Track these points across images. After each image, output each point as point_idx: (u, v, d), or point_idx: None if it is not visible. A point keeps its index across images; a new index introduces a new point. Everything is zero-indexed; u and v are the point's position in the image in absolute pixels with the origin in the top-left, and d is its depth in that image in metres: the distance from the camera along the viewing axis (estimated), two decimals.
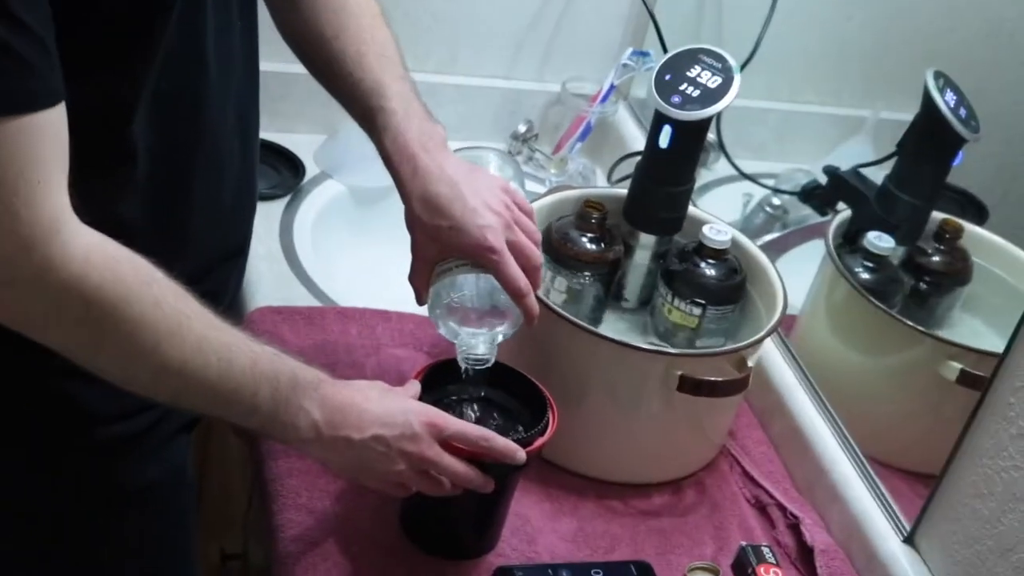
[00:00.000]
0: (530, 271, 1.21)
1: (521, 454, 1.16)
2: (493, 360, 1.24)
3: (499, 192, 1.23)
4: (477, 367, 1.23)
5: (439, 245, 1.23)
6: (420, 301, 1.27)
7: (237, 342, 1.06)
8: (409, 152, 1.25)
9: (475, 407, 1.26)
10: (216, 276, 1.27)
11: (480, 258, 1.20)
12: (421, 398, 1.20)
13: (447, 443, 1.15)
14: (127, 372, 1.03)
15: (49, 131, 0.92)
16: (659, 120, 1.38)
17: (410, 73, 1.32)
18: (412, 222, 1.25)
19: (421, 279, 1.26)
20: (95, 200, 0.97)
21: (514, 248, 1.20)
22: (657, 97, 1.36)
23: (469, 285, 1.25)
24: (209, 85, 1.11)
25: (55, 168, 0.93)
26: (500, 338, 1.24)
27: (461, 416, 1.23)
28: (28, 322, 0.98)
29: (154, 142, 1.08)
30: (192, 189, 1.16)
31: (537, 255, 1.23)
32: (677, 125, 1.37)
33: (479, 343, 1.23)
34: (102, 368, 1.02)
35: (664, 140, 1.38)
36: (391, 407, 1.14)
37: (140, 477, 1.26)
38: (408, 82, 1.30)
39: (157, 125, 1.07)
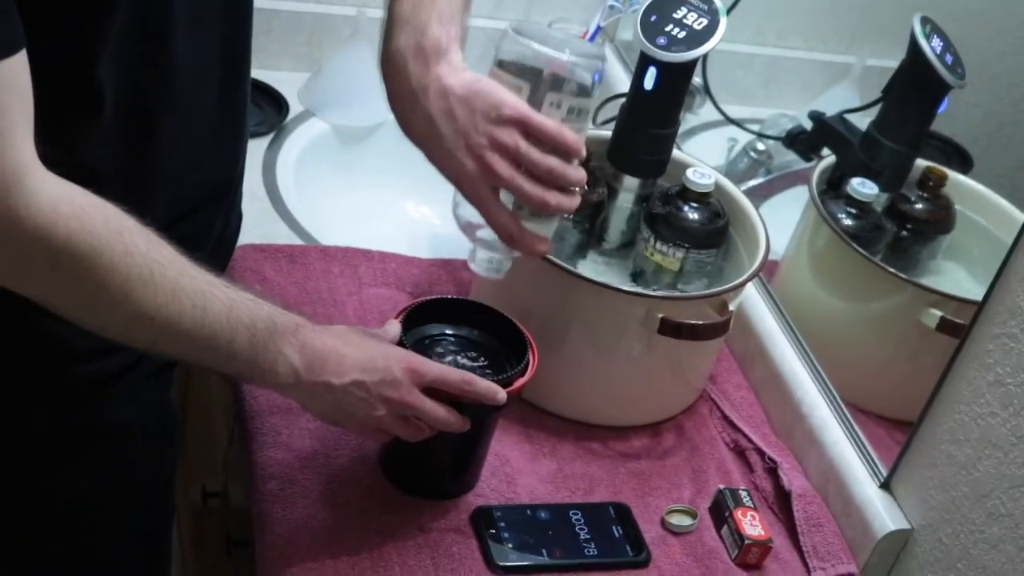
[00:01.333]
0: (539, 211, 1.16)
1: (502, 395, 1.16)
2: (507, 268, 1.22)
3: (493, 127, 1.12)
4: (490, 273, 1.22)
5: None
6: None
7: (212, 289, 1.05)
8: (389, 68, 1.17)
9: (456, 346, 1.26)
10: (199, 218, 1.25)
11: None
12: (402, 338, 1.20)
13: (428, 387, 1.15)
14: (101, 321, 1.02)
15: (9, 80, 0.90)
16: (644, 61, 1.37)
17: None
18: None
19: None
20: (63, 147, 0.95)
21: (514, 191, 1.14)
22: (642, 38, 1.35)
23: None
24: (175, 21, 1.08)
25: (17, 118, 0.91)
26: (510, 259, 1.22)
27: (442, 356, 1.23)
28: None
29: (121, 85, 1.05)
30: (163, 130, 1.14)
31: (538, 196, 1.14)
32: (662, 67, 1.36)
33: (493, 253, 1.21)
34: (76, 317, 1.01)
35: (649, 82, 1.37)
36: (372, 352, 1.14)
37: (122, 415, 1.25)
38: None
39: (124, 67, 1.04)
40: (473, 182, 1.14)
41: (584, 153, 1.17)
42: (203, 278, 1.05)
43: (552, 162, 1.14)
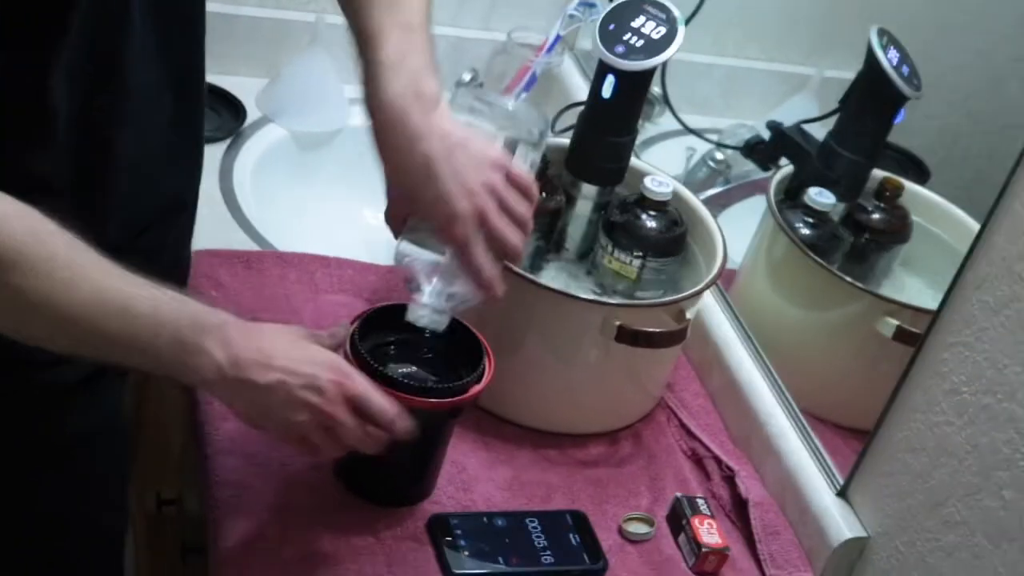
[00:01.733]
0: (508, 255, 1.16)
1: (406, 430, 1.14)
2: (445, 325, 1.20)
3: (486, 170, 1.14)
4: (430, 327, 1.20)
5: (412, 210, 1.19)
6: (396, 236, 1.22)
7: (137, 290, 1.03)
8: (389, 114, 1.14)
9: (412, 353, 1.25)
10: (154, 234, 1.24)
11: (447, 244, 1.16)
12: (358, 344, 1.19)
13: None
14: (23, 325, 1.02)
15: None
16: (602, 70, 1.37)
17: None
18: (387, 183, 1.20)
19: (395, 224, 1.21)
20: (15, 160, 0.95)
21: (490, 235, 1.14)
22: (601, 46, 1.35)
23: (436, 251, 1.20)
24: (129, 39, 1.07)
25: None
26: (459, 306, 1.20)
27: (398, 362, 1.22)
28: None
29: (73, 101, 1.05)
30: (116, 147, 1.13)
31: (514, 241, 1.15)
32: (620, 75, 1.36)
33: (433, 306, 1.19)
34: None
35: (607, 90, 1.37)
36: (299, 355, 1.12)
37: (81, 422, 1.24)
38: (416, 31, 1.19)
39: (76, 84, 1.04)
40: (463, 223, 1.12)
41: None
42: (128, 280, 1.03)
43: (524, 207, 1.16)
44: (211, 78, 1.47)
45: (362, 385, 1.12)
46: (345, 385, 1.11)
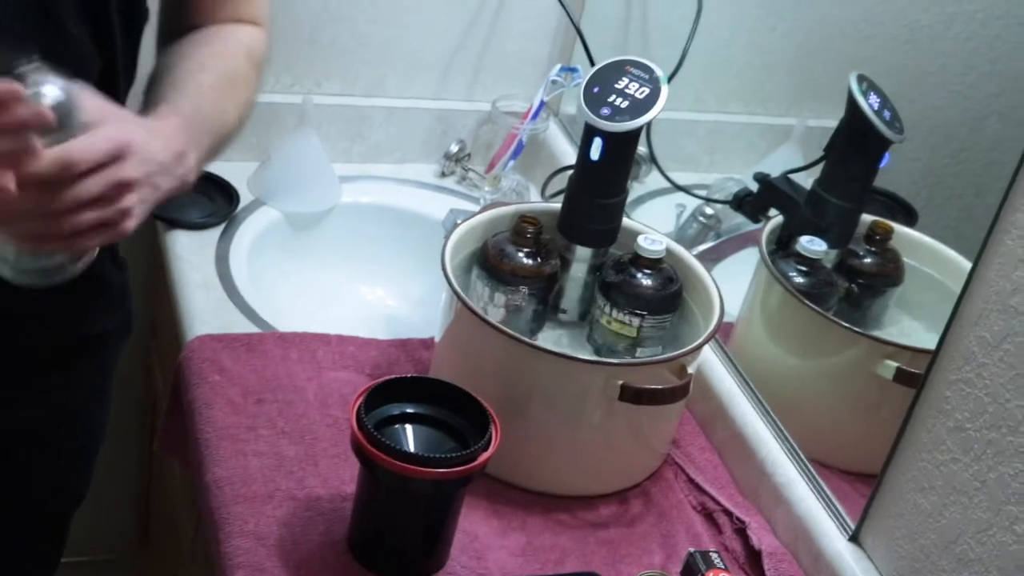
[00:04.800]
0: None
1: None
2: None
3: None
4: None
5: None
6: None
7: None
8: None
9: (418, 424, 1.26)
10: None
11: None
12: (363, 419, 1.20)
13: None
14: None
15: None
16: (589, 132, 1.39)
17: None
18: None
19: None
20: None
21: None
22: (586, 109, 1.37)
23: None
24: None
25: None
26: None
27: (403, 433, 1.23)
28: None
29: None
30: None
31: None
32: (607, 136, 1.38)
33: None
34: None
35: (595, 152, 1.39)
36: None
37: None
38: (200, 108, 1.22)
39: None
40: None
41: None
42: None
43: None
44: None
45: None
46: None
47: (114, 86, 1.24)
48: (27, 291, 1.11)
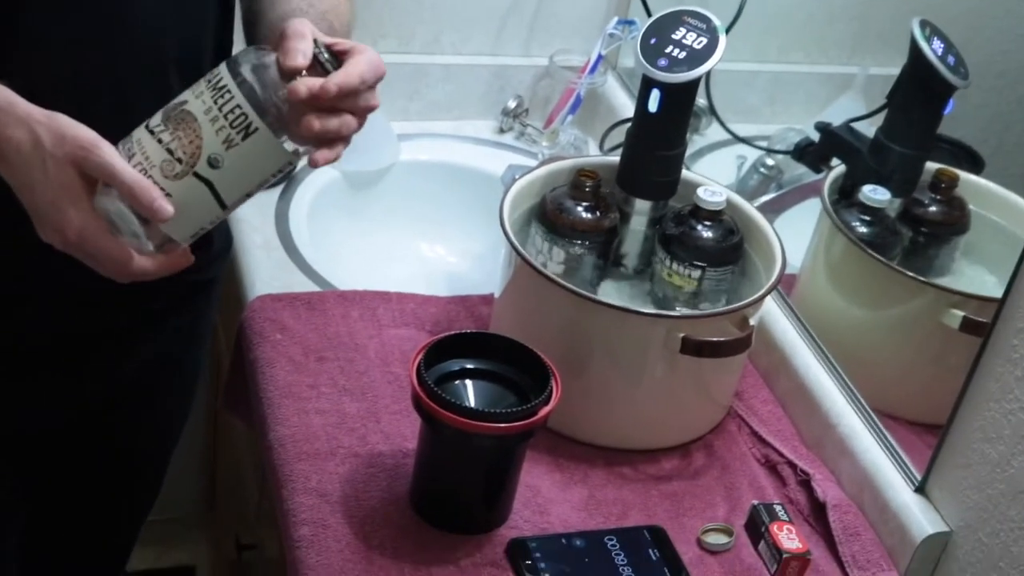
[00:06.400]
0: None
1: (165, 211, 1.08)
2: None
3: None
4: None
5: None
6: None
7: None
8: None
9: (478, 380, 1.26)
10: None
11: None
12: (424, 374, 1.20)
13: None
14: None
15: None
16: (647, 84, 1.37)
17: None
18: None
19: None
20: None
21: None
22: (643, 61, 1.36)
23: None
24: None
25: None
26: None
27: (465, 390, 1.23)
28: None
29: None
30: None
31: None
32: (665, 88, 1.36)
33: None
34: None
35: (653, 104, 1.38)
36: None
37: None
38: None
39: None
40: None
41: None
42: None
43: None
44: None
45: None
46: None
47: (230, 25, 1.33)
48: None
